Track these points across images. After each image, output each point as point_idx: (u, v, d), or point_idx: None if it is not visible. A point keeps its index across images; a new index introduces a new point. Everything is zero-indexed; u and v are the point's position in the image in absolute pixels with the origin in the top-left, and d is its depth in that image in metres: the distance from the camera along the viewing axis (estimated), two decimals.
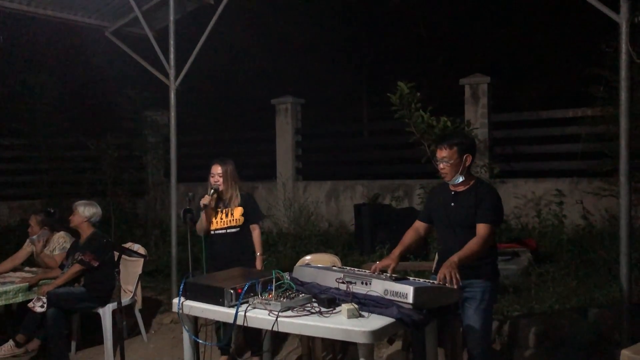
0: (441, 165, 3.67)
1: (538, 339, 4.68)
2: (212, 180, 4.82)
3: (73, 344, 5.56)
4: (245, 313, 3.26)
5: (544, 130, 8.18)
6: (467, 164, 3.66)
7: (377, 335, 2.98)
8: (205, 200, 4.73)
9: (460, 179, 3.68)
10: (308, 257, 4.91)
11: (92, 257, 5.21)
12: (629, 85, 4.18)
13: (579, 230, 7.14)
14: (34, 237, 5.87)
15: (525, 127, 8.36)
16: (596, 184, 7.17)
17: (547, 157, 8.27)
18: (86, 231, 5.43)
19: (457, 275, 3.30)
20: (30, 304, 5.20)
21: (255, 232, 4.85)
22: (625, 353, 3.38)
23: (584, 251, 6.38)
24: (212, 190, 4.75)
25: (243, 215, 4.81)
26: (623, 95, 4.19)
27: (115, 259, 4.02)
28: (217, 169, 4.80)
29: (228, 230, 4.78)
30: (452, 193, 3.73)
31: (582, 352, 4.49)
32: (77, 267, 5.23)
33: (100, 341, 5.37)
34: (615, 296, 4.99)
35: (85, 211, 5.42)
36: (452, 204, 3.71)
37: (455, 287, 3.29)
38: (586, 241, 6.67)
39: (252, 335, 4.68)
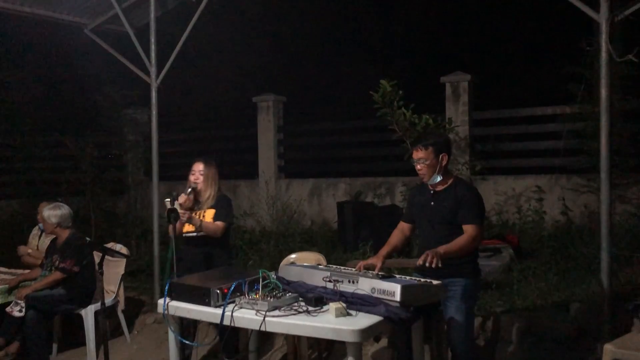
0: (418, 167, 3.72)
1: (521, 334, 4.74)
2: (192, 177, 4.59)
3: (54, 346, 5.49)
4: (232, 313, 3.25)
5: (524, 127, 8.27)
6: (444, 163, 3.71)
7: (366, 333, 3.00)
8: (182, 199, 4.47)
9: (439, 179, 3.72)
10: (293, 256, 4.91)
11: (72, 263, 5.10)
12: (609, 83, 4.25)
13: (558, 226, 7.23)
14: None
15: (505, 124, 8.43)
16: (575, 180, 7.27)
17: (526, 154, 8.35)
18: (62, 235, 5.27)
19: (438, 260, 3.35)
20: (8, 309, 5.09)
21: (217, 223, 4.51)
22: (608, 347, 3.47)
23: (564, 247, 6.46)
24: (189, 190, 4.53)
25: (214, 217, 4.54)
26: (603, 93, 4.26)
27: (98, 260, 3.97)
28: (199, 167, 4.59)
29: (198, 234, 4.53)
30: (432, 192, 3.78)
31: (564, 347, 4.56)
32: (57, 275, 5.12)
33: (82, 342, 5.31)
34: (595, 291, 5.07)
35: (52, 218, 5.20)
36: (432, 203, 3.76)
37: (432, 266, 3.32)
38: (566, 237, 6.76)
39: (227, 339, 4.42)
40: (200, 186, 4.59)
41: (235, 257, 7.03)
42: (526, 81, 11.10)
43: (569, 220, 7.23)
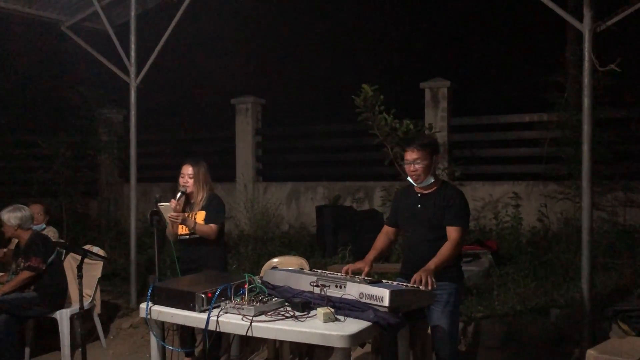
0: (412, 167, 3.68)
1: (502, 339, 4.77)
2: (181, 181, 4.52)
3: (27, 351, 5.32)
4: (217, 318, 3.18)
5: (501, 134, 8.37)
6: (437, 164, 3.72)
7: (355, 339, 2.96)
8: (172, 204, 4.40)
9: (431, 180, 3.72)
10: (275, 260, 4.86)
11: (39, 261, 4.97)
12: (592, 92, 4.32)
13: (535, 232, 7.32)
14: (38, 226, 5.68)
15: (484, 131, 8.52)
16: (551, 187, 7.38)
17: (504, 160, 8.44)
18: (24, 236, 5.10)
19: (433, 279, 3.35)
20: None
21: (211, 226, 4.48)
22: (590, 353, 3.50)
23: (542, 253, 6.55)
24: (179, 194, 4.45)
25: (205, 219, 4.51)
26: (586, 103, 4.33)
27: (77, 263, 3.86)
28: (187, 170, 4.51)
29: (191, 236, 4.48)
30: (419, 195, 3.77)
31: (545, 352, 4.61)
32: (25, 274, 4.97)
33: (55, 347, 5.17)
34: (573, 296, 5.15)
35: (12, 219, 5.03)
36: (419, 206, 3.75)
37: (429, 289, 3.32)
38: (543, 243, 6.85)
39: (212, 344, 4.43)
40: (190, 189, 4.52)
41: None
42: (505, 88, 11.25)
43: (545, 226, 7.32)
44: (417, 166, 3.66)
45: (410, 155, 3.68)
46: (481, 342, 4.81)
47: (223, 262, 4.63)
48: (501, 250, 6.83)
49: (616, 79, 5.73)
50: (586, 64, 4.32)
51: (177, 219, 4.34)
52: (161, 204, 4.35)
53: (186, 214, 4.47)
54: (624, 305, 4.48)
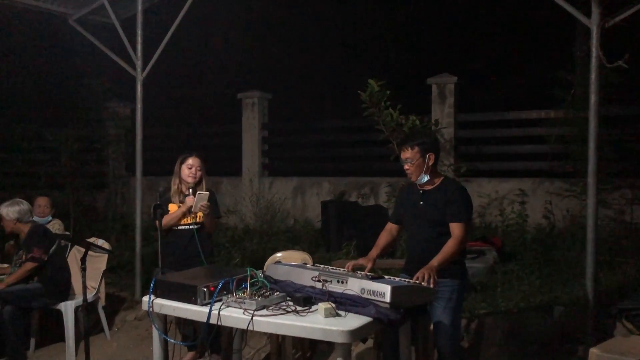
0: (406, 166, 3.74)
1: (505, 336, 4.76)
2: (188, 172, 4.59)
3: (32, 342, 5.37)
4: (219, 312, 3.19)
5: (509, 130, 8.32)
6: (430, 163, 3.70)
7: (355, 334, 2.96)
8: (204, 204, 4.47)
9: (426, 178, 3.72)
10: (279, 255, 4.86)
11: (41, 252, 5.01)
12: (599, 89, 4.28)
13: (541, 229, 7.28)
14: (44, 218, 5.77)
15: (490, 127, 8.48)
16: (558, 184, 7.33)
17: (510, 157, 8.40)
18: (24, 229, 5.13)
19: (435, 277, 3.34)
20: None
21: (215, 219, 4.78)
22: (593, 351, 3.48)
23: (547, 250, 6.51)
24: (190, 189, 4.57)
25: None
26: (593, 99, 4.29)
27: (81, 256, 3.88)
28: (196, 162, 4.62)
29: (191, 227, 4.60)
30: (421, 192, 3.78)
31: (548, 349, 4.59)
32: (29, 265, 5.01)
33: (60, 338, 5.21)
34: (578, 295, 5.12)
35: (10, 213, 5.07)
36: (421, 202, 3.75)
37: (432, 286, 3.32)
38: (548, 240, 6.81)
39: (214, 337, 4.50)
40: (196, 181, 4.64)
41: (218, 255, 6.98)
42: (512, 84, 11.19)
43: (551, 223, 7.29)
44: (408, 165, 3.71)
45: (403, 154, 3.74)
46: (484, 338, 4.79)
47: (213, 250, 4.94)
48: (506, 247, 6.80)
49: (624, 76, 5.68)
50: (593, 60, 4.28)
51: (207, 210, 4.50)
52: (200, 192, 4.50)
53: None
54: (628, 303, 4.45)
